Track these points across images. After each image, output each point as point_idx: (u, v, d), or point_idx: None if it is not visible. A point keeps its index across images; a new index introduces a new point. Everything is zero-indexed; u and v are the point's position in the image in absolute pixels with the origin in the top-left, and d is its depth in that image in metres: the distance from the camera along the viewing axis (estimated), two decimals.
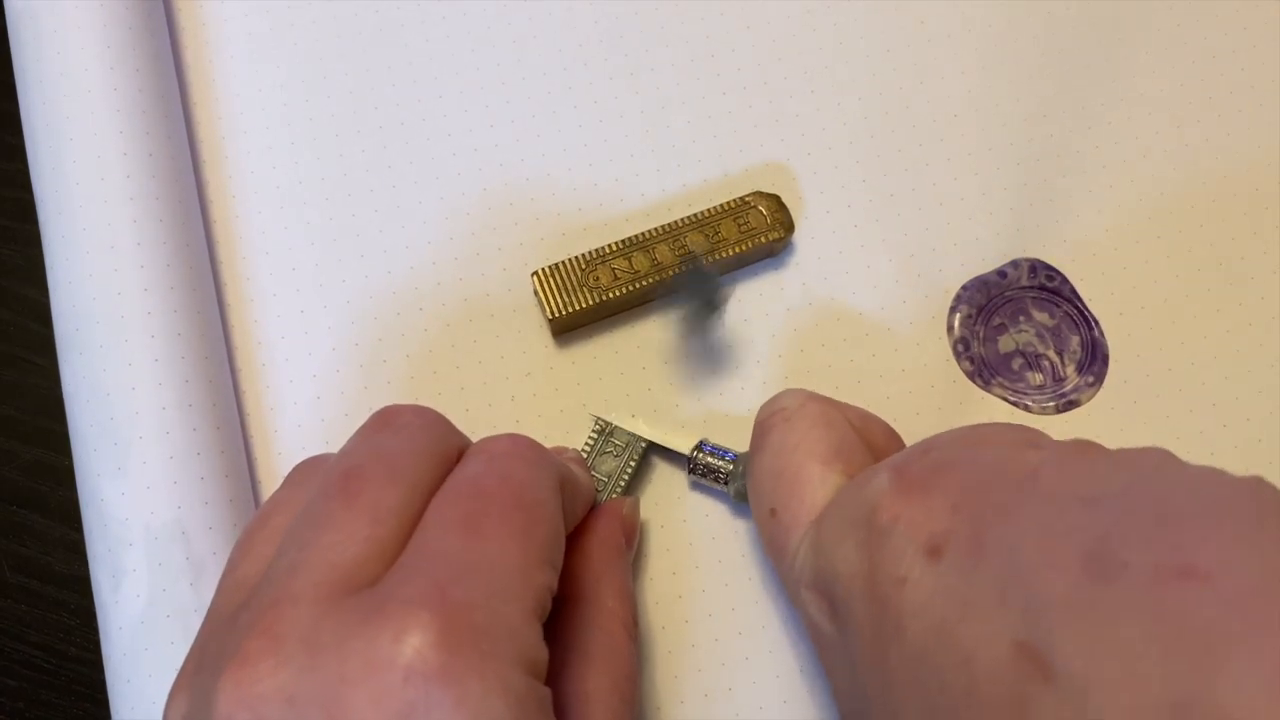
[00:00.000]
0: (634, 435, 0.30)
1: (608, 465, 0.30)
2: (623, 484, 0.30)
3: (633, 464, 0.30)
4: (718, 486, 0.30)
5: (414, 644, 0.19)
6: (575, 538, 0.27)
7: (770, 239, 0.32)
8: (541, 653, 0.21)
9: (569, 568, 0.26)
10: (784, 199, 0.33)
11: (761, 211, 0.32)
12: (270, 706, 0.19)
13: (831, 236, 0.33)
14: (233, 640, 0.20)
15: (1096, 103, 0.35)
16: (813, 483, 0.25)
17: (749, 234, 0.32)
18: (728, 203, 0.32)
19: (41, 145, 0.30)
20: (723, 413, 0.32)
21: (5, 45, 0.33)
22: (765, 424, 0.27)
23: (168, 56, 0.33)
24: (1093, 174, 0.34)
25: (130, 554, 0.28)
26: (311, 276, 0.33)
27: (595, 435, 0.30)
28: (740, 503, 0.30)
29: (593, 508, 0.29)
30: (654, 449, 0.31)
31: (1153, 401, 0.32)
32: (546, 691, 0.21)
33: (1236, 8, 0.36)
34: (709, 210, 0.32)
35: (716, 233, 0.32)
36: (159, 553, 0.27)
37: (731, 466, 0.29)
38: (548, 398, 0.32)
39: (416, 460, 0.23)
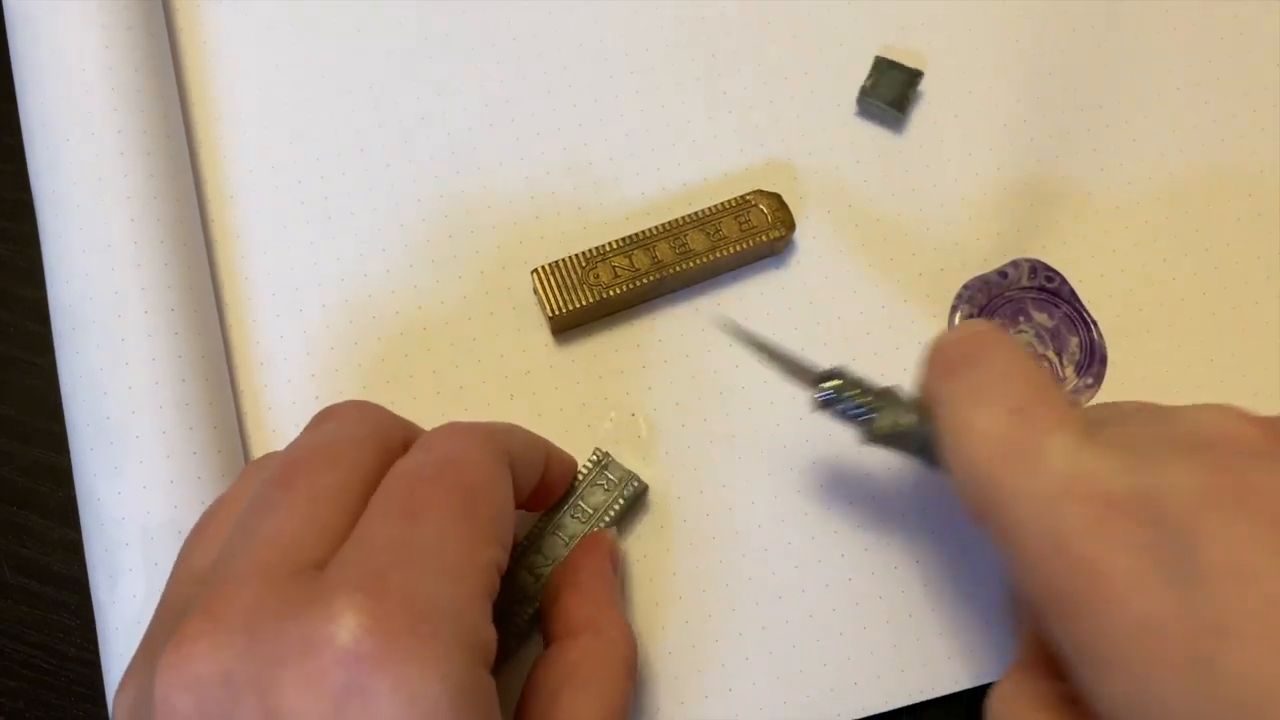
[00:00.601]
0: (629, 472, 0.30)
1: (597, 498, 0.29)
2: (608, 518, 0.29)
3: (621, 501, 0.29)
4: (860, 408, 0.26)
5: (350, 627, 0.19)
6: (566, 574, 0.28)
7: (771, 237, 0.32)
8: (487, 634, 0.21)
9: (566, 603, 0.27)
10: (785, 198, 0.32)
11: (763, 210, 0.32)
12: (206, 687, 0.20)
13: (832, 236, 0.33)
14: (177, 624, 0.21)
15: (1096, 104, 0.35)
16: (1057, 385, 0.23)
17: (750, 232, 0.32)
18: (729, 201, 0.32)
19: (39, 145, 0.30)
20: (724, 413, 0.32)
21: (4, 45, 0.33)
22: (981, 334, 0.25)
23: (166, 56, 0.33)
24: (1093, 175, 0.34)
25: (127, 553, 0.27)
26: (309, 275, 0.33)
27: (590, 465, 0.30)
28: (873, 440, 0.26)
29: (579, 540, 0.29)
30: (636, 503, 0.30)
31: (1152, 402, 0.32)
32: (489, 680, 0.21)
33: (1235, 10, 0.36)
34: (710, 208, 0.32)
35: (717, 231, 0.32)
36: (155, 552, 0.27)
37: (873, 399, 0.26)
38: (547, 396, 0.32)
39: (354, 446, 0.23)
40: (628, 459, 0.31)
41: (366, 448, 0.24)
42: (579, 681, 0.25)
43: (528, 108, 0.34)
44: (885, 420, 0.26)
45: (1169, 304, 0.33)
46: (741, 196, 0.32)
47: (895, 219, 0.34)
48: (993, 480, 0.22)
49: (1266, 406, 0.31)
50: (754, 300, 0.33)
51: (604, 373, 0.32)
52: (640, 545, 0.30)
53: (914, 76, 0.34)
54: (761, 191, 0.32)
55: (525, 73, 0.35)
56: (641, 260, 0.31)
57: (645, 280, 0.31)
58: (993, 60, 0.35)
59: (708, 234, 0.32)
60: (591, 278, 0.31)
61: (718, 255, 0.31)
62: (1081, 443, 0.21)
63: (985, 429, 0.22)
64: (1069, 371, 0.32)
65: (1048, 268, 0.33)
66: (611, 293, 0.31)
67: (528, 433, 0.27)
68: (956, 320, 0.33)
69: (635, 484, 0.30)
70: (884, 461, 0.31)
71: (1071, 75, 0.35)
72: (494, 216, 0.33)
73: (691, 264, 0.31)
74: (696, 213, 0.32)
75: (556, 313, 0.31)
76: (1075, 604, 0.20)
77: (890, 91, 0.34)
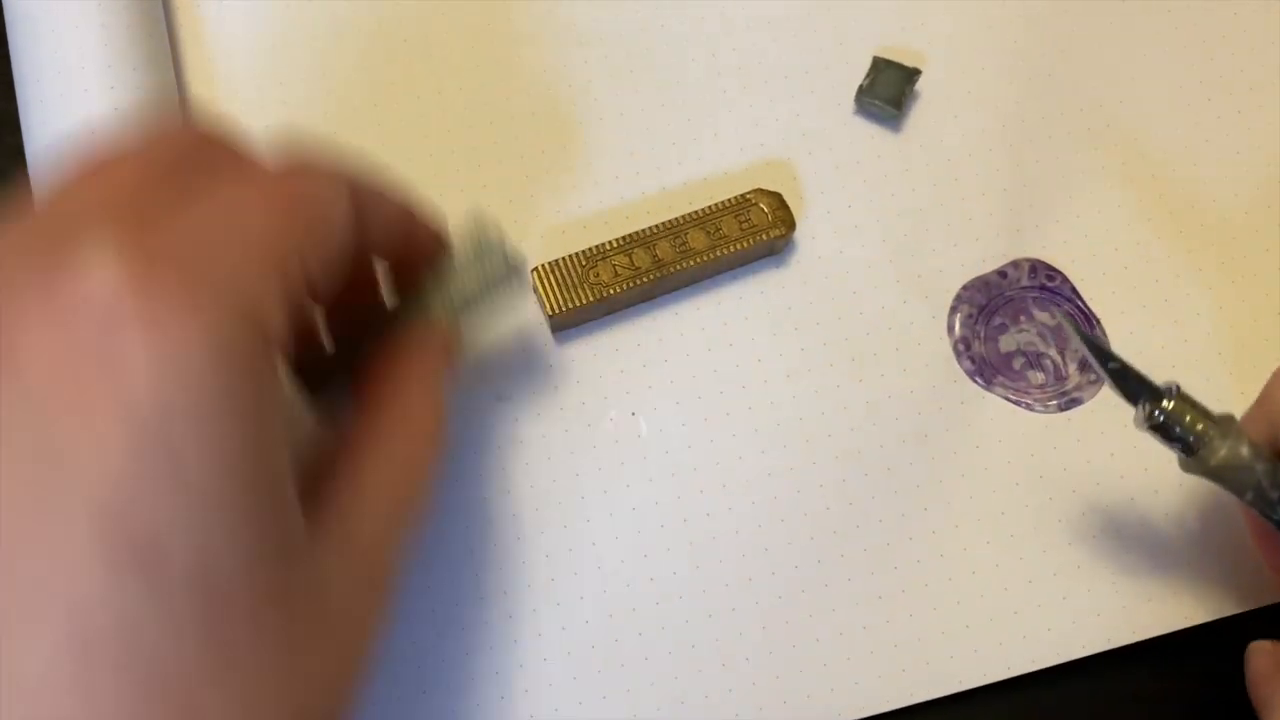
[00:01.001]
0: (504, 251, 0.27)
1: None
2: (474, 301, 0.27)
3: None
4: (1196, 435, 0.24)
5: (104, 276, 0.16)
6: (387, 350, 0.25)
7: (772, 236, 0.32)
8: (275, 316, 0.19)
9: (377, 373, 0.24)
10: (784, 197, 0.32)
11: (763, 209, 0.32)
12: None
13: (832, 236, 0.33)
14: None
15: (1096, 103, 0.35)
16: None
17: (750, 231, 0.32)
18: (729, 200, 0.32)
19: (39, 145, 0.30)
20: (724, 413, 0.32)
21: (4, 45, 0.33)
22: None
23: (166, 56, 0.33)
24: (1093, 174, 0.34)
25: None
26: None
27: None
28: (1201, 471, 0.25)
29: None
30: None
31: None
32: (270, 361, 0.18)
33: (1235, 9, 0.36)
34: (710, 207, 0.32)
35: (718, 229, 0.32)
36: None
37: (1210, 426, 0.24)
38: (547, 396, 0.32)
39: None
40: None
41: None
42: (369, 446, 0.23)
43: (526, 106, 0.34)
44: (1223, 449, 0.24)
45: (1172, 301, 0.33)
46: (742, 195, 0.32)
47: (895, 218, 0.34)
48: None
49: None
50: (754, 300, 0.33)
51: (604, 372, 0.32)
52: (640, 544, 0.30)
53: (912, 75, 0.34)
54: (762, 190, 0.32)
55: (524, 71, 0.35)
56: (642, 259, 0.31)
57: (646, 279, 0.31)
58: (991, 59, 0.35)
59: (708, 233, 0.32)
60: (592, 276, 0.31)
61: (718, 254, 0.31)
62: None
63: None
64: (1072, 370, 0.32)
65: (1048, 266, 0.33)
66: (612, 291, 0.31)
67: (385, 182, 0.25)
68: (957, 320, 0.33)
69: (507, 264, 0.27)
70: (883, 462, 0.31)
71: (1071, 73, 0.35)
72: (493, 216, 0.33)
73: (692, 263, 0.31)
74: (697, 211, 0.32)
75: (556, 311, 0.31)
76: None
77: (888, 90, 0.34)
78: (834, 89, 0.35)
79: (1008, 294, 0.33)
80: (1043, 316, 0.33)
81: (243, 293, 0.18)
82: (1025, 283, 0.33)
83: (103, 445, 0.16)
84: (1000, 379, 0.32)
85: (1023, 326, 0.33)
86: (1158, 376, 0.31)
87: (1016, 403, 0.32)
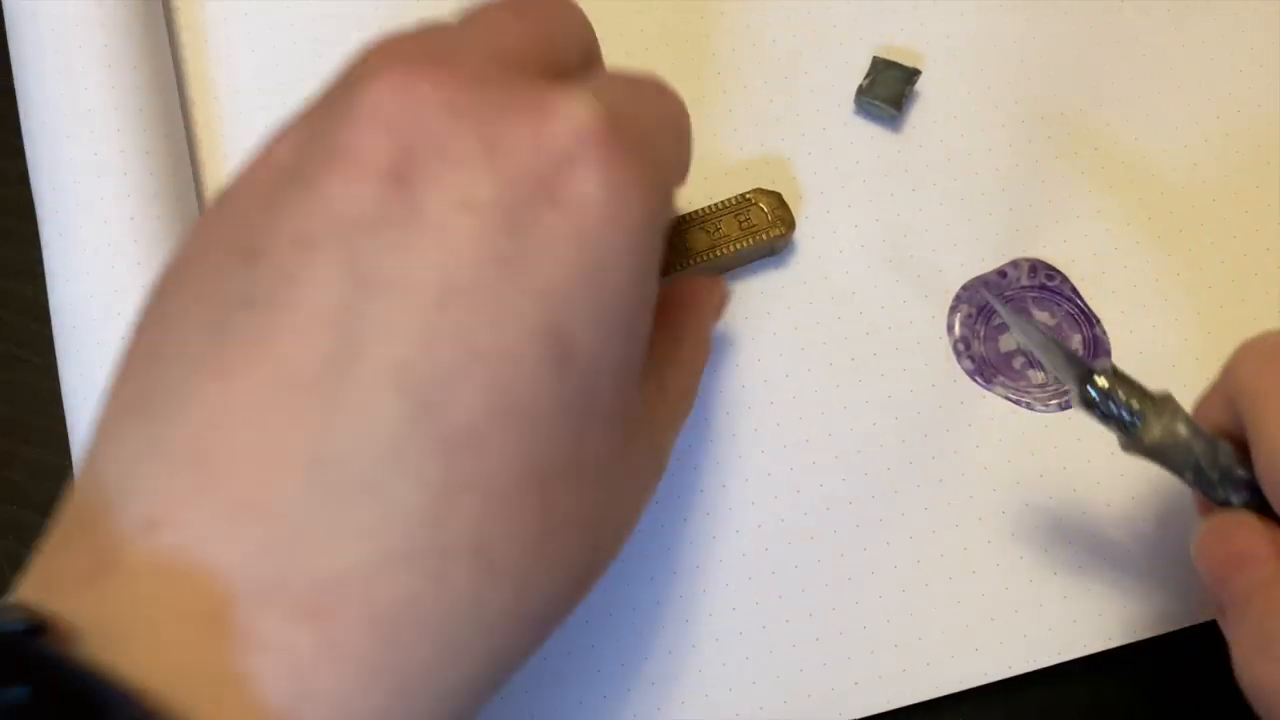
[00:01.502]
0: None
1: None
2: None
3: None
4: (1131, 412, 0.24)
5: (585, 110, 0.20)
6: (670, 292, 0.28)
7: (772, 236, 0.32)
8: (674, 195, 0.23)
9: (678, 299, 0.27)
10: (789, 193, 0.32)
11: (763, 208, 0.32)
12: (426, 106, 0.19)
13: (832, 236, 0.33)
14: (389, 61, 0.20)
15: (1096, 103, 0.35)
16: None
17: (750, 231, 0.32)
18: (728, 200, 0.32)
19: (39, 143, 0.30)
20: (724, 412, 0.32)
21: (4, 44, 0.33)
22: None
23: (166, 54, 0.33)
24: (1093, 174, 0.34)
25: None
26: None
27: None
28: (1137, 449, 0.24)
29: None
30: None
31: None
32: (662, 238, 0.22)
33: (1235, 9, 0.36)
34: (709, 207, 0.32)
35: (717, 229, 0.32)
36: None
37: (1147, 404, 0.24)
38: None
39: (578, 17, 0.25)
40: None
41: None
42: (671, 346, 0.26)
43: None
44: (1157, 428, 0.23)
45: (1172, 301, 0.33)
46: (741, 195, 0.32)
47: (894, 218, 0.34)
48: None
49: None
50: (754, 300, 0.33)
51: None
52: (640, 544, 0.30)
53: (911, 75, 0.34)
54: (762, 190, 0.32)
55: None
56: None
57: None
58: (990, 58, 0.35)
59: (707, 232, 0.32)
60: None
61: (718, 253, 0.31)
62: None
63: None
64: None
65: (1048, 266, 0.33)
66: None
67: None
68: (957, 320, 0.33)
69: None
70: (883, 461, 0.31)
71: (1071, 73, 0.35)
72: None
73: (691, 262, 0.31)
74: (696, 211, 0.32)
75: None
76: None
77: (887, 90, 0.34)
78: (834, 89, 0.35)
79: (1008, 294, 0.33)
80: (1043, 316, 0.33)
81: (666, 168, 0.22)
82: (1025, 282, 0.33)
83: (556, 258, 0.19)
84: (1000, 378, 0.32)
85: None
86: (1157, 376, 0.31)
87: (1016, 402, 0.32)
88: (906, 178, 0.34)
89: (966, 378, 0.32)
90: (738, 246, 0.32)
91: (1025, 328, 0.25)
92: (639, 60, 0.35)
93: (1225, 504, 0.24)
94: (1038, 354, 0.25)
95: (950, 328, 0.33)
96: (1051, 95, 0.35)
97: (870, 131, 0.34)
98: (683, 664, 0.29)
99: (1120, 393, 0.23)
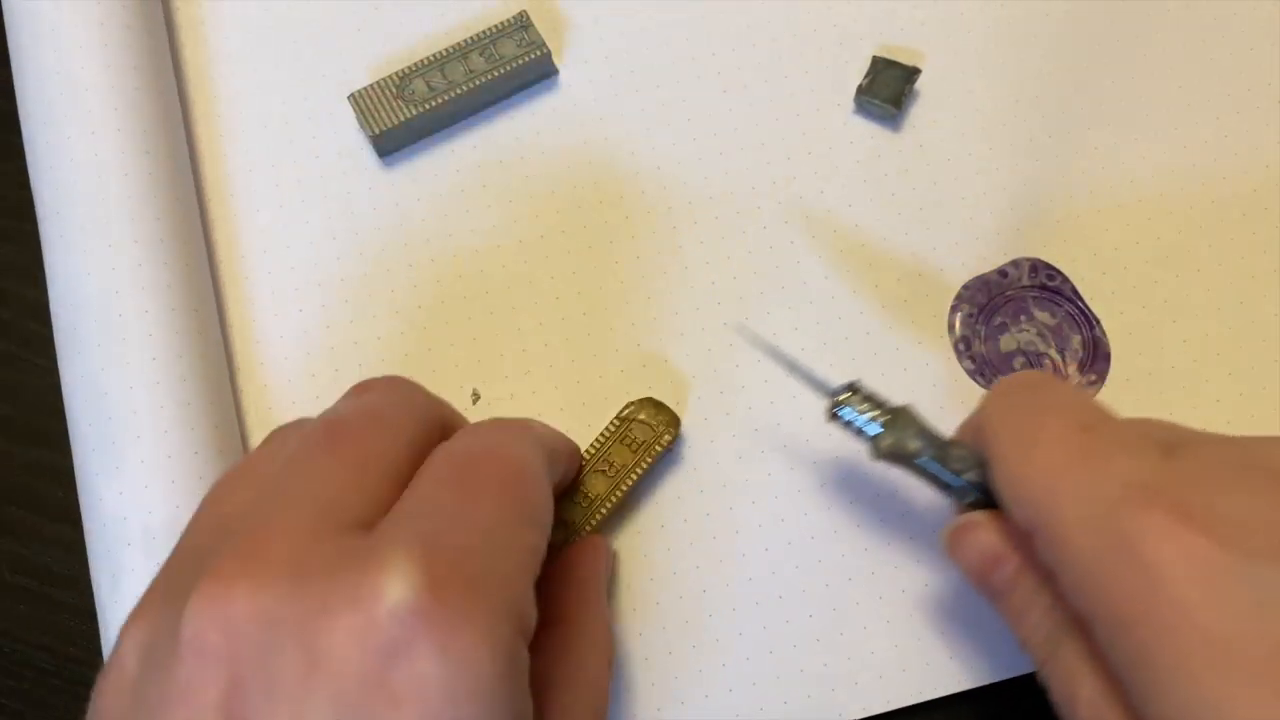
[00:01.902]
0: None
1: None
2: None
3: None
4: (870, 423, 0.26)
5: (403, 584, 0.19)
6: (559, 568, 0.27)
7: (664, 444, 0.30)
8: (531, 610, 0.21)
9: (554, 594, 0.27)
10: (781, 199, 0.32)
11: (643, 420, 0.30)
12: (244, 626, 0.19)
13: (831, 236, 0.33)
14: (209, 564, 0.20)
15: (1096, 103, 0.35)
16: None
17: (642, 449, 0.30)
18: (608, 427, 0.30)
19: (39, 144, 0.30)
20: (723, 413, 0.32)
21: (4, 44, 0.33)
22: (1046, 374, 0.27)
23: (165, 54, 0.33)
24: (1093, 174, 0.34)
25: (128, 553, 0.27)
26: (309, 275, 0.33)
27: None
28: (879, 456, 0.26)
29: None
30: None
31: (1156, 399, 0.32)
32: (526, 656, 0.21)
33: (1235, 10, 0.36)
34: (594, 443, 0.30)
35: (611, 465, 0.30)
36: (157, 552, 0.27)
37: (884, 416, 0.26)
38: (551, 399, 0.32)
39: (399, 412, 0.23)
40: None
41: (413, 419, 0.23)
42: (561, 676, 0.25)
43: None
44: (889, 438, 0.26)
45: (1172, 300, 0.33)
46: (619, 416, 0.30)
47: (894, 218, 0.34)
48: (1054, 489, 0.21)
49: (1271, 403, 0.31)
50: (754, 300, 0.33)
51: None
52: (640, 544, 0.30)
53: (911, 74, 0.34)
54: (634, 402, 0.31)
55: None
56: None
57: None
58: (990, 58, 0.35)
59: (604, 472, 0.30)
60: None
61: (621, 490, 0.30)
62: (1154, 460, 0.21)
63: (1052, 439, 0.22)
64: (1072, 369, 0.32)
65: (1048, 266, 0.33)
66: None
67: (558, 431, 0.28)
68: (957, 320, 0.33)
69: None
70: (883, 464, 0.31)
71: (1070, 72, 0.35)
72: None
73: (601, 512, 0.29)
74: (585, 453, 0.30)
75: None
76: (1134, 610, 0.19)
77: (887, 90, 0.34)
78: (833, 89, 0.35)
79: (1008, 293, 0.33)
80: (1043, 316, 0.33)
81: (510, 592, 0.21)
82: (1025, 282, 0.33)
83: None
84: (1001, 378, 0.32)
85: (1023, 326, 0.33)
86: (1157, 376, 0.31)
87: None
88: (906, 177, 0.34)
89: (967, 378, 0.32)
90: (637, 474, 0.30)
91: (774, 354, 0.28)
92: (639, 58, 0.35)
93: (971, 505, 0.26)
94: (789, 373, 0.28)
95: (951, 327, 0.33)
96: (1052, 95, 0.35)
97: (870, 131, 0.34)
98: (683, 664, 0.29)
99: (860, 408, 0.26)
